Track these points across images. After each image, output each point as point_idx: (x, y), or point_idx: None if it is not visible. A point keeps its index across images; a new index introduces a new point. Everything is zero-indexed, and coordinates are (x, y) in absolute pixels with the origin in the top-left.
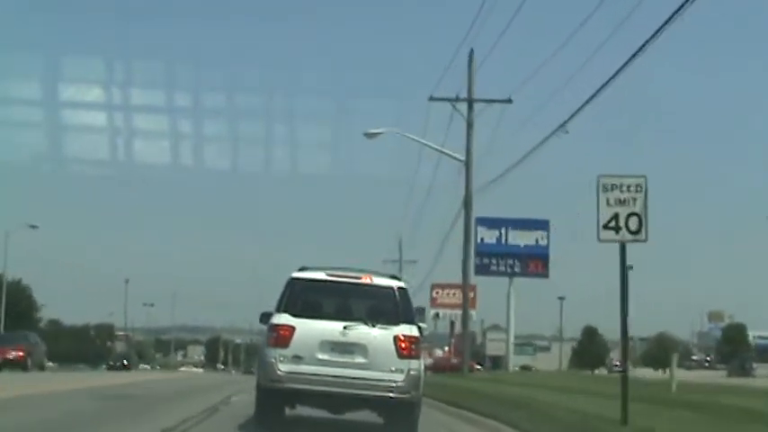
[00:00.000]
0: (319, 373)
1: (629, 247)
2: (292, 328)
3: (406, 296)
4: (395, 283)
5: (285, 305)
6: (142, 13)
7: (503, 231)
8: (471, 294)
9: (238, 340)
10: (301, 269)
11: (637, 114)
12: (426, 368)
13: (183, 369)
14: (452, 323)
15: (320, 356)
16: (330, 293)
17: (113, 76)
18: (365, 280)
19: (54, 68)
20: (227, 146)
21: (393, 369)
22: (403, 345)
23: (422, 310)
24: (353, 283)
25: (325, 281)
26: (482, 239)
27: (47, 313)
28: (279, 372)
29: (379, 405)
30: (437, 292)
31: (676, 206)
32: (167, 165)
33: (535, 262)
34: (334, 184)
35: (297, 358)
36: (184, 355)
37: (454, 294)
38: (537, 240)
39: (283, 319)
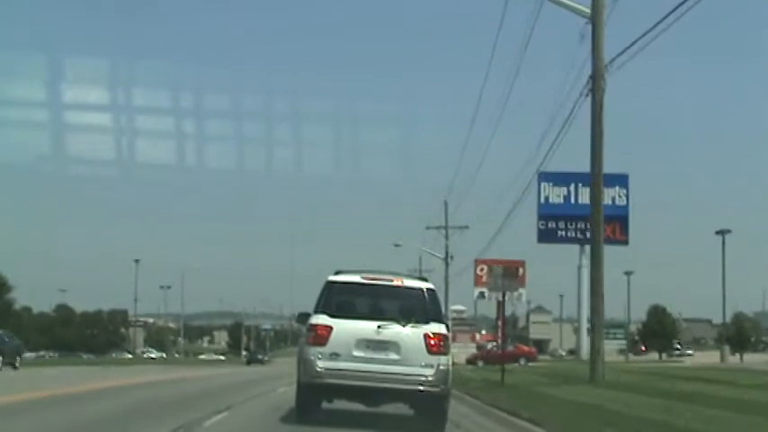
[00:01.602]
0: (355, 368)
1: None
2: (330, 328)
3: (435, 297)
4: (424, 285)
5: (323, 306)
6: (144, 12)
7: (571, 189)
8: (521, 271)
9: (267, 325)
10: (337, 273)
11: None
12: (478, 359)
13: (203, 357)
14: (499, 303)
15: (356, 353)
16: (364, 295)
17: (131, 76)
18: (397, 282)
19: (59, 69)
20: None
21: (423, 364)
22: (432, 342)
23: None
24: (386, 286)
25: (360, 283)
26: (546, 199)
27: (62, 299)
28: (318, 368)
29: (410, 398)
30: (482, 269)
31: None
32: (198, 164)
33: (612, 225)
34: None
35: (334, 355)
36: (211, 341)
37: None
38: (613, 199)
39: (321, 319)
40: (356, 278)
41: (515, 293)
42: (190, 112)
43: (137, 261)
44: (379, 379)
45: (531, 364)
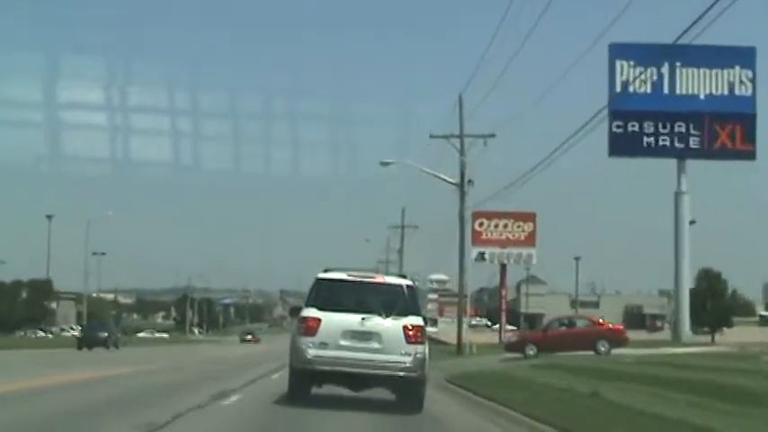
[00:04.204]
0: (342, 356)
1: None
2: (319, 320)
3: (413, 292)
4: (403, 282)
5: (313, 300)
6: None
7: (664, 71)
8: (531, 226)
9: (227, 300)
10: (326, 270)
11: None
12: (528, 342)
13: (141, 335)
14: (503, 267)
15: (342, 343)
16: (350, 291)
17: (130, 76)
18: (379, 280)
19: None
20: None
21: (402, 353)
22: (410, 332)
23: None
24: (369, 282)
25: (346, 280)
26: (624, 85)
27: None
28: (308, 356)
29: (391, 383)
30: (481, 224)
31: None
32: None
33: (729, 127)
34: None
35: (323, 345)
36: (166, 317)
37: (505, 226)
38: (731, 86)
39: (311, 312)
40: (342, 275)
41: (524, 255)
42: (186, 111)
43: (49, 217)
44: (363, 365)
45: (616, 351)
